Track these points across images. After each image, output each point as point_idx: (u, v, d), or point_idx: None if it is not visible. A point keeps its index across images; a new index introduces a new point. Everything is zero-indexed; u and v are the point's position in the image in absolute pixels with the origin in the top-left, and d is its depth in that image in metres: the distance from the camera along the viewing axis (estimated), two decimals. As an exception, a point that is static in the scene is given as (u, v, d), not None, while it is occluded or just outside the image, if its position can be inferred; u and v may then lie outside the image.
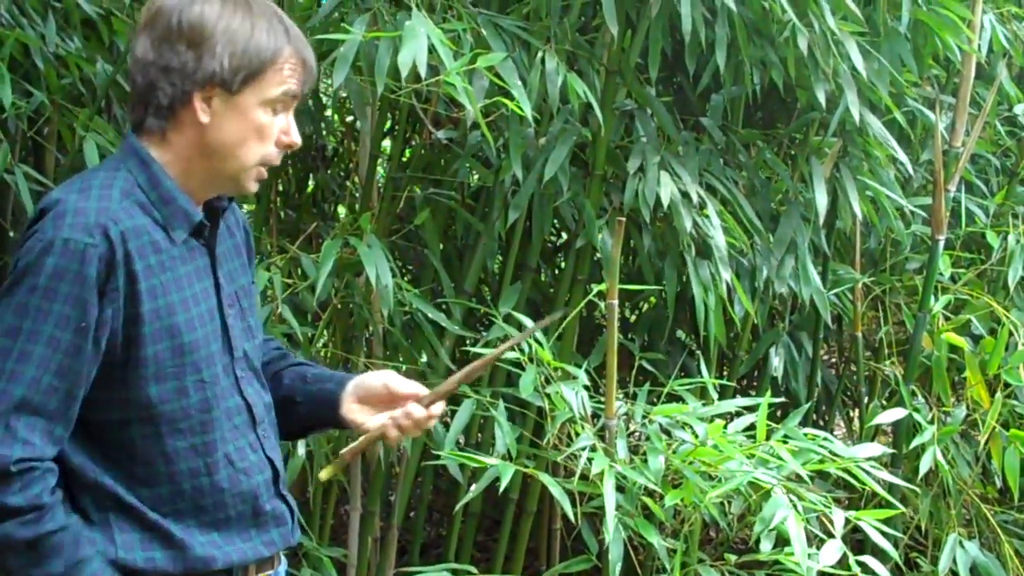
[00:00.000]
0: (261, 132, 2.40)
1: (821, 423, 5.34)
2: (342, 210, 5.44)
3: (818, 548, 3.33)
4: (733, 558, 3.70)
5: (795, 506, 3.34)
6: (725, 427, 3.55)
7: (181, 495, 2.41)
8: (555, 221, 4.71)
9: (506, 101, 3.61)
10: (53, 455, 2.30)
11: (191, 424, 2.40)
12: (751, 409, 3.66)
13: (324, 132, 5.52)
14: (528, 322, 3.82)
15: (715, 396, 3.79)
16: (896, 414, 4.31)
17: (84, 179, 2.42)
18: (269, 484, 2.55)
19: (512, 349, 3.29)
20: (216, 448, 2.43)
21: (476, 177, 4.60)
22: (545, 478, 3.57)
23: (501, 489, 3.57)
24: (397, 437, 2.66)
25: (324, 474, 2.72)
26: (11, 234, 4.54)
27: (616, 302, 3.60)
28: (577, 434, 3.61)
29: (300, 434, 2.83)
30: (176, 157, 2.40)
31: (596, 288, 3.72)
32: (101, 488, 2.36)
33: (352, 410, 2.67)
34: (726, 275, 4.21)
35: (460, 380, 2.75)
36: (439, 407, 2.69)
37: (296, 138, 2.45)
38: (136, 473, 2.38)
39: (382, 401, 2.67)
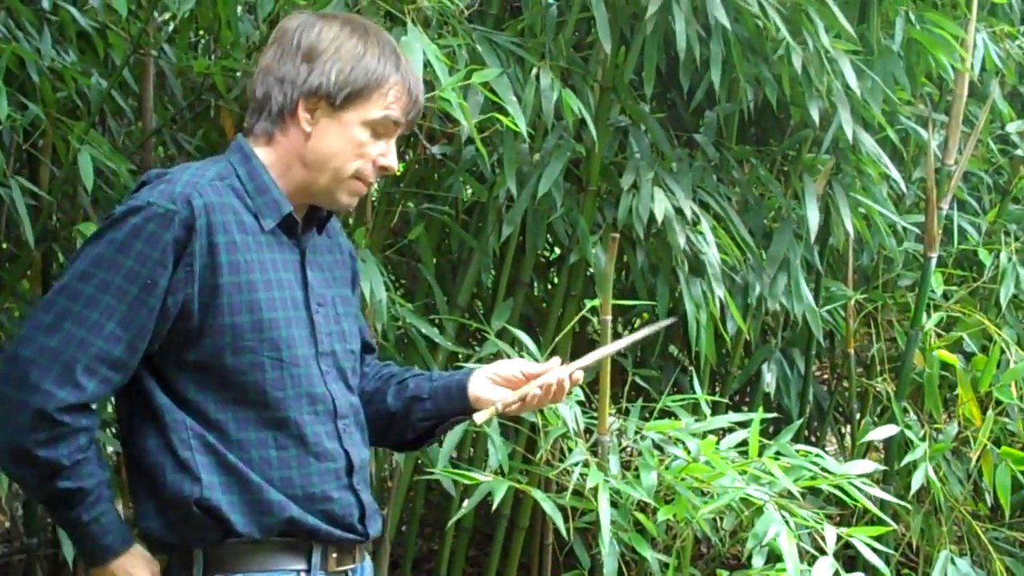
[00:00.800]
0: (359, 149, 2.54)
1: (813, 439, 5.34)
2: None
3: (810, 564, 3.33)
4: (725, 574, 3.70)
5: (787, 522, 3.34)
6: (717, 443, 3.56)
7: (249, 462, 2.48)
8: (549, 236, 4.72)
9: (501, 117, 3.62)
10: (102, 396, 2.43)
11: (265, 398, 2.49)
12: (743, 425, 3.67)
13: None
14: (523, 336, 3.83)
15: (707, 412, 3.80)
16: (888, 431, 4.31)
17: (187, 164, 2.58)
18: (341, 474, 2.59)
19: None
20: (289, 425, 2.51)
21: (470, 192, 4.60)
22: (537, 494, 3.57)
23: (494, 506, 3.58)
24: (537, 401, 2.71)
25: (480, 417, 2.69)
26: (3, 246, 4.54)
27: (609, 318, 3.61)
28: (570, 449, 3.62)
29: (428, 432, 2.81)
30: (278, 160, 2.56)
31: (589, 304, 3.73)
32: (186, 427, 2.46)
33: (483, 386, 2.74)
34: (719, 292, 4.22)
35: (603, 355, 2.95)
36: (581, 373, 2.78)
37: (393, 163, 2.58)
38: (213, 426, 2.47)
39: (513, 384, 2.73)
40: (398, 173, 4.60)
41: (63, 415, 2.37)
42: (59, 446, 2.38)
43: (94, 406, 2.43)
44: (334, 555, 2.59)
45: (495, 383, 2.74)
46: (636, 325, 5.11)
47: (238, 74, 4.36)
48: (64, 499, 2.43)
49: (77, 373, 2.37)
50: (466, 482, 3.64)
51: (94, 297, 2.38)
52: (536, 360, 3.66)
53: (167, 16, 5.08)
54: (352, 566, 2.65)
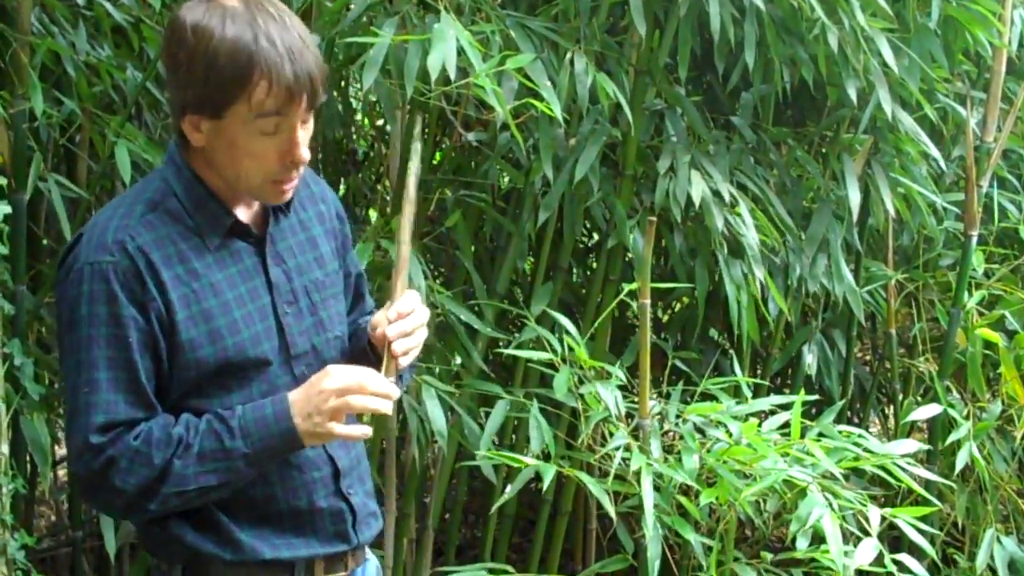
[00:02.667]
0: (253, 155, 2.38)
1: (856, 420, 5.33)
2: (373, 213, 5.44)
3: (854, 546, 3.32)
4: (769, 556, 3.69)
5: (830, 504, 3.33)
6: (759, 425, 3.54)
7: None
8: (586, 221, 4.71)
9: (535, 102, 3.61)
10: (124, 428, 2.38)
11: None
12: (785, 407, 3.66)
13: (355, 136, 5.53)
14: (563, 320, 3.82)
15: (749, 394, 3.78)
16: (931, 410, 4.30)
17: (123, 195, 2.50)
18: (328, 481, 2.57)
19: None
20: None
21: (506, 179, 4.59)
22: (584, 477, 3.56)
23: (544, 490, 3.57)
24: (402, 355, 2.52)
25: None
26: (44, 241, 4.56)
27: (648, 302, 3.59)
28: (611, 434, 3.61)
29: None
30: (204, 163, 2.45)
31: (628, 288, 3.72)
32: None
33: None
34: (759, 273, 4.20)
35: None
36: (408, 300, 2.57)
37: (300, 156, 2.41)
38: None
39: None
40: (433, 161, 4.60)
41: (99, 452, 2.36)
42: (125, 476, 2.36)
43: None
44: (321, 566, 2.58)
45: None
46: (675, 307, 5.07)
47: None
48: (184, 478, 2.38)
49: (92, 437, 2.36)
50: (508, 468, 3.63)
51: (92, 380, 2.35)
52: (575, 343, 3.67)
53: (201, 9, 5.09)
54: (343, 574, 2.63)
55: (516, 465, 3.54)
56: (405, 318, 2.51)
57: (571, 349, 3.71)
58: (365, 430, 2.47)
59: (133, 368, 2.35)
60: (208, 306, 2.41)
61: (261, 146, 2.37)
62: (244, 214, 2.51)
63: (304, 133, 2.40)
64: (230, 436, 2.38)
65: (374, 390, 2.39)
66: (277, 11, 2.36)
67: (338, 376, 2.40)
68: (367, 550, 2.74)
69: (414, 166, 2.83)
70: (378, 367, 2.50)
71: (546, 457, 3.69)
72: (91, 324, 2.34)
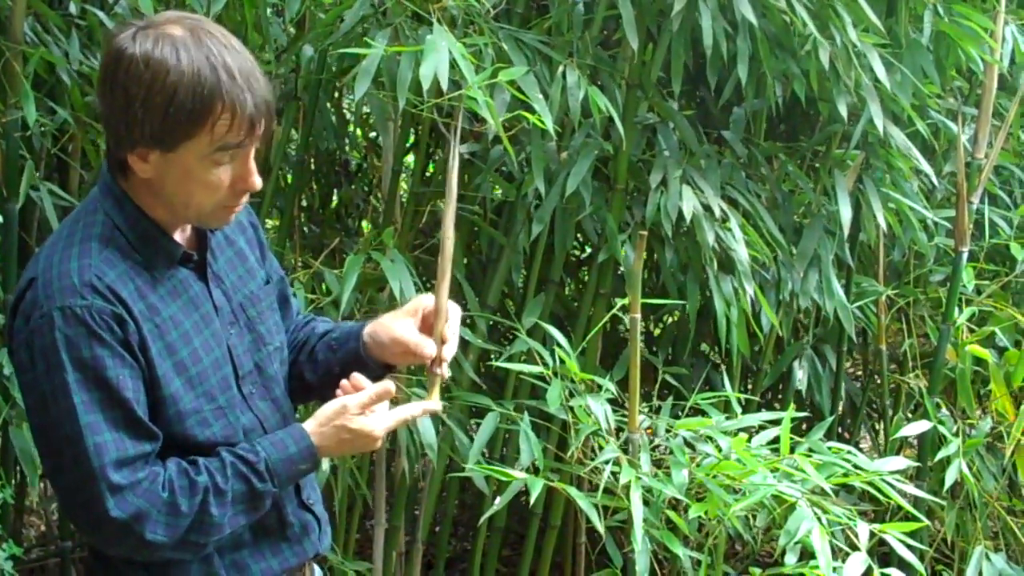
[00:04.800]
0: (207, 185, 2.33)
1: (846, 436, 5.33)
2: (365, 225, 5.44)
3: (843, 561, 3.32)
4: (758, 571, 3.69)
5: (820, 519, 3.33)
6: (749, 440, 3.55)
7: None
8: (578, 235, 4.71)
9: (528, 115, 3.61)
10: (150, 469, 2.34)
11: (214, 448, 2.43)
12: (775, 423, 3.66)
13: (347, 147, 5.53)
14: (554, 332, 3.82)
15: (739, 410, 3.78)
16: (921, 427, 4.31)
17: (64, 234, 2.40)
18: (291, 495, 2.57)
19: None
20: None
21: (499, 191, 4.60)
22: (572, 492, 3.57)
23: (531, 503, 3.57)
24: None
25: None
26: (36, 250, 4.56)
27: (639, 316, 3.60)
28: (601, 447, 3.61)
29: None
30: (145, 192, 2.37)
31: (619, 302, 3.72)
32: None
33: (371, 348, 2.64)
34: (749, 289, 4.21)
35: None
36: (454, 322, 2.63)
37: (254, 183, 2.36)
38: None
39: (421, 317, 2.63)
40: (425, 173, 4.60)
41: (121, 493, 2.30)
42: (155, 527, 2.32)
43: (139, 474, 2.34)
44: None
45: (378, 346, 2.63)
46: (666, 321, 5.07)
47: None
48: (220, 526, 2.37)
49: (120, 485, 2.29)
50: (499, 480, 3.63)
51: (89, 424, 2.28)
52: (566, 356, 3.66)
53: (194, 19, 5.09)
54: None
55: (505, 479, 3.54)
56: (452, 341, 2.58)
57: (562, 362, 3.71)
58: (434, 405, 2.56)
59: (127, 405, 2.30)
60: (171, 339, 2.38)
61: (216, 176, 2.32)
62: (180, 239, 2.47)
63: (252, 158, 2.36)
64: (259, 479, 2.38)
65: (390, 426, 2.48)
66: (222, 35, 2.30)
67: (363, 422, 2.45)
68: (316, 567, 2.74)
69: (455, 159, 2.79)
70: (371, 372, 2.55)
71: (536, 470, 3.69)
72: (77, 369, 2.27)
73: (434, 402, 2.56)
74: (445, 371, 2.55)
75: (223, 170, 2.32)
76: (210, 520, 2.34)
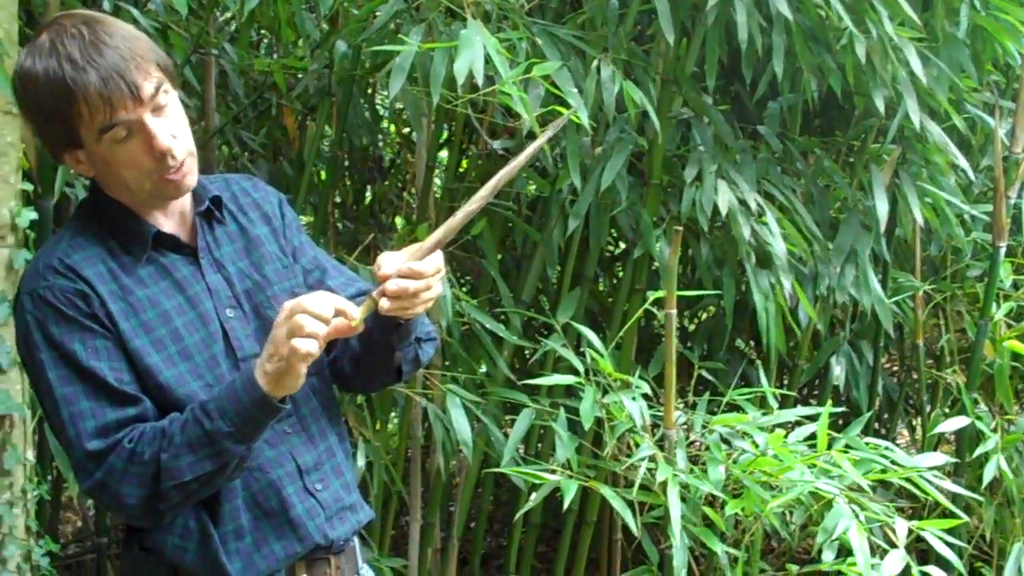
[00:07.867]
0: (127, 164, 2.38)
1: (883, 432, 5.30)
2: (399, 221, 5.45)
3: (881, 558, 3.30)
4: (795, 568, 3.68)
5: (857, 516, 3.31)
6: (786, 437, 3.53)
7: (204, 501, 2.45)
8: (612, 230, 4.70)
9: (562, 110, 3.60)
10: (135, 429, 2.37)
11: None
12: (812, 418, 3.64)
13: (381, 144, 5.53)
14: (587, 331, 3.81)
15: (775, 405, 3.77)
16: (959, 422, 4.28)
17: (60, 229, 2.52)
18: (294, 478, 2.54)
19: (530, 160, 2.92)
20: None
21: (533, 187, 4.59)
22: (606, 491, 3.55)
23: (565, 506, 3.56)
24: (388, 308, 2.41)
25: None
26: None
27: (674, 311, 3.58)
28: (637, 444, 3.60)
29: (389, 368, 2.67)
30: (107, 187, 2.47)
31: (654, 297, 3.70)
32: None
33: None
34: (787, 283, 4.19)
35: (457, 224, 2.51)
36: (429, 263, 2.44)
37: (160, 144, 2.36)
38: None
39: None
40: (459, 169, 4.59)
41: (101, 459, 2.35)
42: (122, 478, 2.35)
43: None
44: (303, 567, 2.56)
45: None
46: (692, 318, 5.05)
47: (299, 74, 4.36)
48: (177, 470, 2.35)
49: (100, 454, 2.34)
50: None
51: (65, 396, 2.36)
52: (600, 355, 3.65)
53: (228, 15, 5.11)
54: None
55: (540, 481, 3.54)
56: (412, 278, 2.39)
57: (595, 363, 3.70)
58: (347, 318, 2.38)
59: (100, 374, 2.36)
60: (147, 318, 2.42)
61: (126, 154, 2.37)
62: (171, 226, 2.52)
63: (162, 121, 2.38)
64: (209, 419, 2.34)
65: (313, 309, 2.29)
66: (78, 25, 2.35)
67: (282, 312, 2.34)
68: (365, 565, 2.72)
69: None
70: (399, 336, 2.55)
71: (570, 468, 3.68)
72: (48, 347, 2.36)
73: (352, 317, 2.37)
74: (384, 303, 2.42)
75: (129, 145, 2.36)
76: (162, 465, 2.33)
